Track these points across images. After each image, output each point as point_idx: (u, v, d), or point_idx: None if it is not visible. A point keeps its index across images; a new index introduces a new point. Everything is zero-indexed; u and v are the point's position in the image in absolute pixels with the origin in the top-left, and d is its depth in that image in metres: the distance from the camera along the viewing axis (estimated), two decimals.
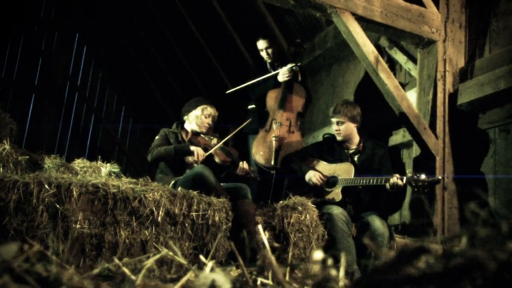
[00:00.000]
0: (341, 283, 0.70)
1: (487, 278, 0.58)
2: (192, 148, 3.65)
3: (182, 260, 0.79)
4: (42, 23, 8.69)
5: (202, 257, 0.81)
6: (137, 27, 8.78)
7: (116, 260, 0.78)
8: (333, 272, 0.70)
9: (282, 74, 4.36)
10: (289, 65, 4.35)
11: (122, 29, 8.97)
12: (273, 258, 0.70)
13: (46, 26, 8.72)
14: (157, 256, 0.82)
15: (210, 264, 0.81)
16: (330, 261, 0.73)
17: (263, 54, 4.63)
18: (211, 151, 3.72)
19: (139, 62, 9.19)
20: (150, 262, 0.78)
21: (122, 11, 8.67)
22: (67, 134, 8.87)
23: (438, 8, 4.19)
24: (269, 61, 4.66)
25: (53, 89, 8.68)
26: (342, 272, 0.73)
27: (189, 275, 0.75)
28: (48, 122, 8.51)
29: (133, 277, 0.73)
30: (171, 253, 0.86)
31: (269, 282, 0.73)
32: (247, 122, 4.18)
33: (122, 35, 9.02)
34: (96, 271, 0.75)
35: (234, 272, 0.80)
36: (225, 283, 0.70)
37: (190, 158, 3.66)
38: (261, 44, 4.61)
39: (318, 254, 0.75)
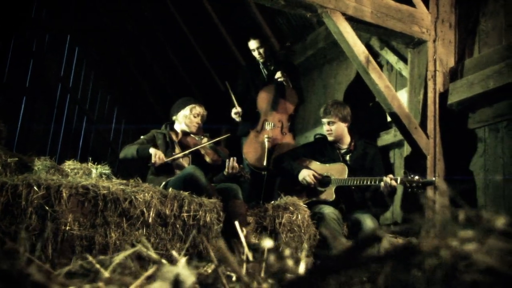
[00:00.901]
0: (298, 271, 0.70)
1: (440, 265, 0.58)
2: (151, 150, 3.64)
3: (155, 255, 0.78)
4: (33, 24, 8.63)
5: (174, 253, 0.81)
6: (128, 28, 8.75)
7: (90, 257, 0.78)
8: (289, 262, 0.69)
9: (279, 75, 4.40)
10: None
11: (114, 30, 8.93)
12: (228, 252, 0.70)
13: (37, 27, 8.66)
14: (128, 252, 0.81)
15: (182, 260, 0.81)
16: (287, 252, 0.74)
17: (255, 54, 4.64)
18: (176, 156, 3.72)
19: (131, 63, 9.16)
20: (119, 258, 0.78)
21: (114, 12, 8.64)
22: (59, 136, 8.81)
23: (428, 8, 4.21)
24: (261, 60, 4.67)
25: (45, 90, 8.63)
26: (302, 263, 0.73)
27: (153, 270, 0.75)
28: (40, 124, 8.46)
29: (106, 273, 0.73)
30: (144, 249, 0.86)
31: (245, 278, 0.73)
32: (225, 136, 4.19)
33: (114, 36, 8.99)
34: (67, 268, 0.74)
35: (209, 268, 0.80)
36: (189, 276, 0.70)
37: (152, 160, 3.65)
38: (253, 44, 4.61)
39: (268, 243, 0.75)
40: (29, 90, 8.50)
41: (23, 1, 8.46)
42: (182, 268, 0.70)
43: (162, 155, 3.62)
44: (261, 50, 4.59)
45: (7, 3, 8.11)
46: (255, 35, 4.68)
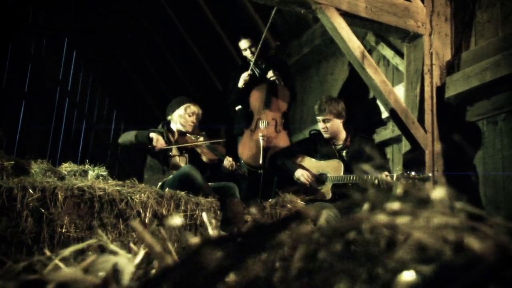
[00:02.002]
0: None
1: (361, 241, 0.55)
2: (152, 134, 3.63)
3: (113, 247, 0.77)
4: (31, 27, 8.62)
5: (132, 245, 0.79)
6: (125, 30, 8.73)
7: (47, 252, 0.76)
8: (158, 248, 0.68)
9: (270, 73, 4.39)
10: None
11: (111, 33, 8.92)
12: (145, 233, 0.68)
13: (35, 32, 8.66)
14: (81, 245, 0.80)
15: (142, 252, 0.79)
16: (163, 233, 0.73)
17: (247, 53, 4.62)
18: (175, 146, 3.71)
19: (128, 65, 9.15)
20: (67, 251, 0.76)
21: (110, 15, 8.62)
22: (58, 139, 8.81)
23: (423, 1, 4.18)
24: (252, 60, 4.63)
25: (44, 94, 8.62)
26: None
27: (92, 258, 0.74)
28: (39, 128, 8.46)
29: (66, 268, 0.71)
30: (102, 241, 0.84)
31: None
32: (221, 140, 4.17)
33: (111, 39, 8.97)
34: (22, 264, 0.73)
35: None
36: (128, 265, 0.69)
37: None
38: (244, 43, 4.59)
39: (177, 220, 0.74)
40: (28, 94, 8.50)
41: (20, 5, 8.46)
42: (121, 258, 0.69)
43: (162, 140, 3.61)
44: (253, 49, 4.56)
45: (4, 7, 8.10)
46: (246, 34, 4.66)
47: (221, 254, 0.55)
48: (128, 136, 3.68)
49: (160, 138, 3.62)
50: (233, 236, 0.58)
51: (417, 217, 0.52)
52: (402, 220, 0.52)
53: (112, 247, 0.76)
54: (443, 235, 0.49)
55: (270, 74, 4.41)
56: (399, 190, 0.59)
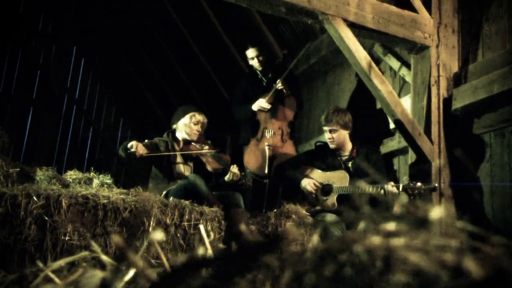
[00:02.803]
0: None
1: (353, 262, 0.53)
2: (131, 143, 3.58)
3: (107, 259, 0.75)
4: (40, 36, 8.70)
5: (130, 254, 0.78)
6: (133, 39, 8.79)
7: (40, 264, 0.75)
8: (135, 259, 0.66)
9: (279, 83, 4.36)
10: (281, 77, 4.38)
11: (119, 42, 8.98)
12: (125, 246, 0.66)
13: (44, 40, 8.73)
14: (73, 258, 0.78)
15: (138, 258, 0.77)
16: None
17: (254, 62, 4.61)
18: (160, 154, 3.68)
19: (135, 73, 9.19)
20: (56, 264, 0.74)
21: (119, 24, 8.69)
22: (65, 147, 8.84)
23: (430, 13, 4.17)
24: (260, 69, 4.63)
25: (51, 102, 8.67)
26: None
27: (79, 273, 0.72)
28: (46, 135, 8.50)
29: (57, 280, 0.70)
30: (96, 253, 0.83)
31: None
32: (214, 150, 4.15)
33: (119, 47, 9.03)
34: (14, 275, 0.71)
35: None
36: (116, 281, 0.67)
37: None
38: (251, 52, 4.59)
39: (158, 235, 0.72)
40: (36, 101, 8.55)
41: (29, 14, 8.54)
42: (110, 273, 0.67)
43: (141, 146, 3.57)
44: (261, 58, 4.56)
45: (14, 17, 8.19)
46: (253, 43, 4.66)
47: (207, 273, 0.53)
48: (122, 147, 3.66)
49: (139, 144, 3.59)
50: (221, 255, 0.57)
51: (414, 238, 0.50)
52: (398, 242, 0.50)
53: (105, 259, 0.75)
54: (441, 257, 0.47)
55: (277, 83, 4.39)
56: (396, 208, 0.57)
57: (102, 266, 0.78)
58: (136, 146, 3.53)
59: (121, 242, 0.65)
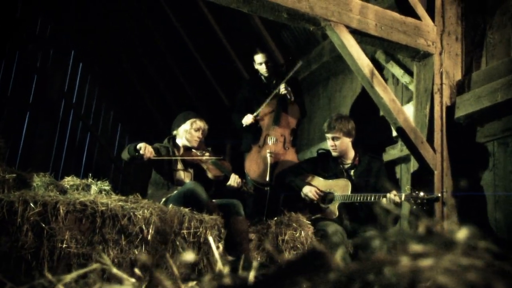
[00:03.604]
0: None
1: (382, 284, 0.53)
2: (140, 144, 3.55)
3: (117, 272, 0.75)
4: (37, 39, 8.71)
5: (137, 270, 0.78)
6: (132, 43, 8.80)
7: (49, 276, 0.74)
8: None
9: (282, 88, 4.37)
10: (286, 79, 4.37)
11: (117, 46, 9.00)
12: (160, 274, 0.66)
13: (41, 43, 8.74)
14: (83, 270, 0.78)
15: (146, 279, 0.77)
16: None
17: (262, 67, 4.61)
18: (168, 158, 3.67)
19: (134, 78, 9.20)
20: (69, 277, 0.74)
21: (118, 29, 8.71)
22: (62, 152, 8.84)
23: (433, 20, 4.18)
24: (266, 75, 4.64)
25: (48, 106, 8.67)
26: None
27: (97, 287, 0.72)
28: (43, 140, 8.49)
29: None
30: (106, 266, 0.82)
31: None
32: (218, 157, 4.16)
33: (117, 52, 9.05)
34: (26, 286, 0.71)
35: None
36: None
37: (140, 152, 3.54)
38: (260, 58, 4.59)
39: (189, 256, 0.72)
40: (32, 106, 8.55)
41: (27, 18, 8.56)
42: (126, 286, 0.67)
43: (151, 148, 3.55)
44: (269, 64, 4.58)
45: (11, 20, 8.20)
46: (263, 49, 4.68)
47: None
48: (125, 150, 3.64)
49: (149, 146, 3.56)
50: (249, 281, 0.57)
51: (441, 259, 0.50)
52: (425, 263, 0.50)
53: (116, 272, 0.74)
54: (468, 278, 0.47)
55: (281, 89, 4.39)
56: (421, 229, 0.58)
57: (108, 279, 0.78)
58: (144, 148, 3.52)
59: (148, 261, 0.65)
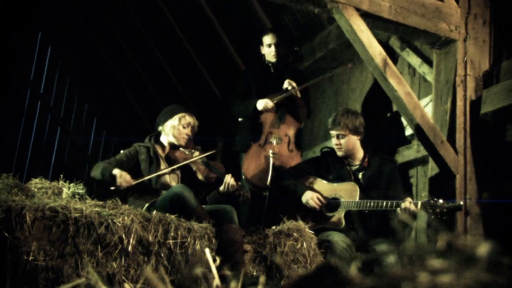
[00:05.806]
0: None
1: None
2: (115, 171, 3.52)
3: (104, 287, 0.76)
4: None
5: (127, 286, 0.78)
6: (110, 25, 8.77)
7: None
8: None
9: (288, 82, 4.32)
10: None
11: (93, 28, 8.97)
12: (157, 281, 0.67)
13: (3, 23, 8.70)
14: (69, 285, 0.79)
15: None
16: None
17: (270, 50, 4.51)
18: (148, 177, 3.64)
19: (113, 66, 9.18)
20: None
21: (93, 7, 8.68)
22: (27, 150, 8.81)
23: (457, 1, 4.19)
24: (273, 60, 4.55)
25: (11, 96, 8.63)
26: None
27: None
28: (4, 136, 8.46)
29: None
30: (93, 281, 0.83)
31: None
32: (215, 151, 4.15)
33: (93, 34, 9.02)
34: None
35: None
36: None
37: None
38: (270, 38, 4.51)
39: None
40: None
41: None
42: None
43: (128, 177, 3.52)
44: (278, 48, 4.51)
45: None
46: (274, 29, 4.63)
47: None
48: (97, 170, 3.61)
49: (125, 174, 3.52)
50: None
51: (461, 275, 0.52)
52: (444, 279, 0.52)
53: (103, 286, 0.75)
54: None
55: (286, 83, 4.33)
56: (440, 244, 0.59)
57: None
58: (120, 176, 3.48)
59: (154, 278, 0.65)
